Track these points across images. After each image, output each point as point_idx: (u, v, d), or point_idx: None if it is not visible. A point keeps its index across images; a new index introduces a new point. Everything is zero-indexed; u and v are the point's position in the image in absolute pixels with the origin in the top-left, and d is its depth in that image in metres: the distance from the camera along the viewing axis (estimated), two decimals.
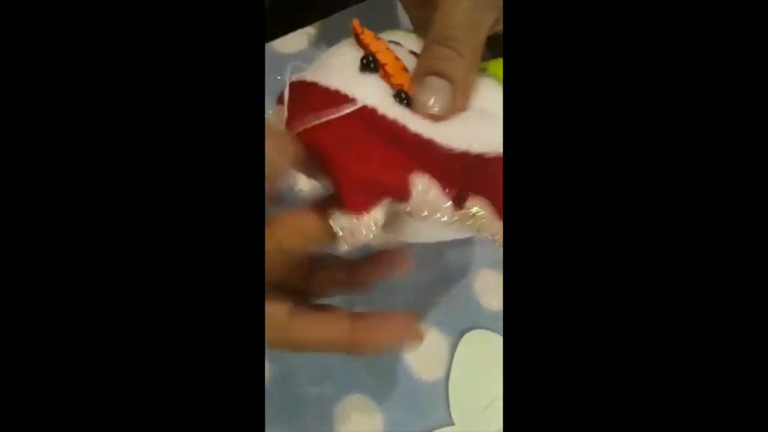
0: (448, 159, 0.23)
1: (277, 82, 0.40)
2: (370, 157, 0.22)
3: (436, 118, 0.24)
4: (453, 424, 0.35)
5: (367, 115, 0.23)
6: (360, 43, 0.26)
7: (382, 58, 0.25)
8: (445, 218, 0.23)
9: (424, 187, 0.22)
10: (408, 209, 0.23)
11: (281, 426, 0.34)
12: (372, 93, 0.24)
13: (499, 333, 0.37)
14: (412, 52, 0.26)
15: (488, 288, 0.38)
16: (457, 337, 0.37)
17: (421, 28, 0.29)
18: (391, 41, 0.27)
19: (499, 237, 0.23)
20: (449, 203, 0.23)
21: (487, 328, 0.37)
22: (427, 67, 0.24)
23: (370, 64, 0.24)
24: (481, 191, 0.23)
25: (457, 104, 0.24)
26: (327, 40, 0.41)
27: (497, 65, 0.27)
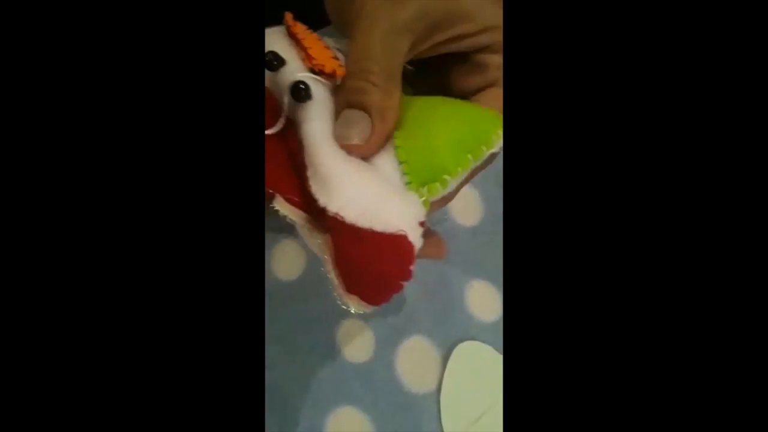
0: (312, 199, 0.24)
1: None
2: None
3: (357, 149, 0.25)
4: None
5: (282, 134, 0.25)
6: (289, 32, 0.26)
7: (306, 43, 0.26)
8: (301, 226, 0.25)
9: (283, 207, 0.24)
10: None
11: None
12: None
13: (491, 345, 0.37)
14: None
15: (481, 300, 0.38)
16: (449, 348, 0.37)
17: (341, 25, 0.30)
18: (335, 47, 0.27)
19: (337, 286, 0.24)
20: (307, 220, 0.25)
21: (480, 340, 0.37)
22: (343, 102, 0.25)
23: (272, 62, 0.25)
24: (329, 236, 0.24)
25: (376, 132, 0.25)
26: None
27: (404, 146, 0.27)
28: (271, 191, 0.24)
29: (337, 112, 0.25)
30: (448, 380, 0.36)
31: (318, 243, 0.25)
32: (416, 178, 0.24)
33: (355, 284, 0.24)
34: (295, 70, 0.25)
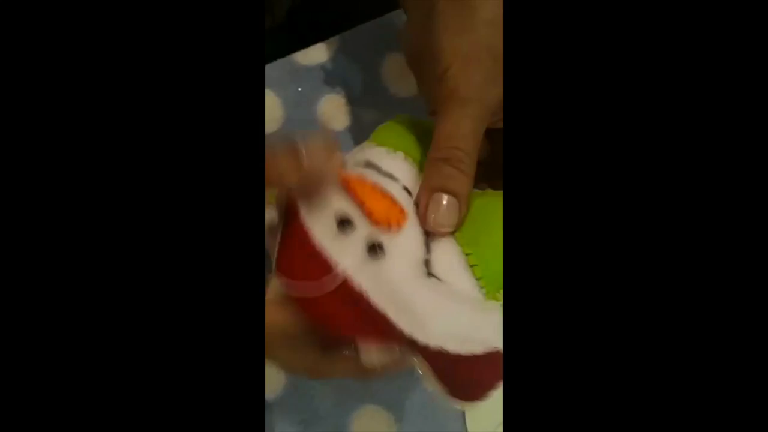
0: (395, 336, 0.25)
1: (297, 92, 0.40)
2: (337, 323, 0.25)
3: (444, 231, 0.26)
4: None
5: (342, 289, 0.25)
6: (345, 187, 0.27)
7: (367, 201, 0.26)
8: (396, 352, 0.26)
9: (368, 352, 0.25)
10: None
11: None
12: (349, 254, 0.25)
13: None
14: (405, 188, 0.27)
15: None
16: None
17: (422, 83, 0.30)
18: (386, 173, 0.28)
19: (442, 396, 0.26)
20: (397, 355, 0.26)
21: None
22: (436, 186, 0.26)
23: (344, 224, 0.26)
24: (426, 362, 0.25)
25: (462, 216, 0.26)
26: (346, 53, 0.42)
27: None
28: (349, 341, 0.26)
29: (427, 194, 0.26)
30: None
31: (412, 358, 0.26)
32: (492, 287, 0.26)
33: (459, 394, 0.26)
34: (364, 231, 0.26)
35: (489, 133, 0.28)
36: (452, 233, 0.27)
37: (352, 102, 0.40)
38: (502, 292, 0.26)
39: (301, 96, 0.40)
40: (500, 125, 0.29)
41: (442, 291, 0.25)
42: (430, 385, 0.26)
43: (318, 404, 0.35)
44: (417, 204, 0.27)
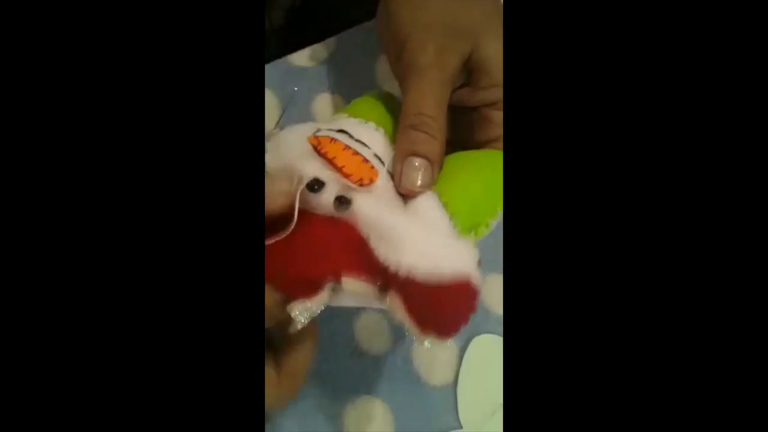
0: (379, 268, 0.26)
1: (293, 92, 0.42)
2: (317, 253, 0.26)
3: (417, 191, 0.27)
4: (461, 427, 0.36)
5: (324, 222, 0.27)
6: (318, 152, 0.28)
7: (338, 161, 0.28)
8: (372, 302, 0.27)
9: (352, 285, 0.26)
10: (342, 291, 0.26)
11: (291, 426, 0.35)
12: (319, 209, 0.27)
13: None
14: (376, 156, 0.29)
15: (496, 293, 0.39)
16: (465, 341, 0.38)
17: (393, 65, 0.32)
18: (357, 140, 0.29)
19: (412, 330, 0.26)
20: (373, 290, 0.26)
21: (496, 333, 0.38)
22: (407, 151, 0.28)
23: (315, 185, 0.27)
24: (394, 294, 0.26)
25: (435, 176, 0.28)
26: (342, 54, 0.43)
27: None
28: (332, 277, 0.26)
29: (400, 159, 0.28)
30: (465, 373, 0.37)
31: (383, 301, 0.26)
32: (465, 226, 0.28)
33: (429, 326, 0.26)
34: (334, 188, 0.27)
35: (453, 111, 0.30)
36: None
37: (347, 101, 0.41)
38: (475, 232, 0.28)
39: (297, 95, 0.41)
40: (464, 103, 0.31)
41: (417, 220, 0.27)
42: (402, 321, 0.26)
43: (313, 394, 0.36)
44: (392, 174, 0.28)
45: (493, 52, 0.30)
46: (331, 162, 0.28)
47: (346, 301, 0.27)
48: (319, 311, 0.26)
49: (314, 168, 0.28)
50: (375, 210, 0.27)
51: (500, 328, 0.38)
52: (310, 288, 0.25)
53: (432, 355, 0.37)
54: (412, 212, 0.27)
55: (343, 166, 0.27)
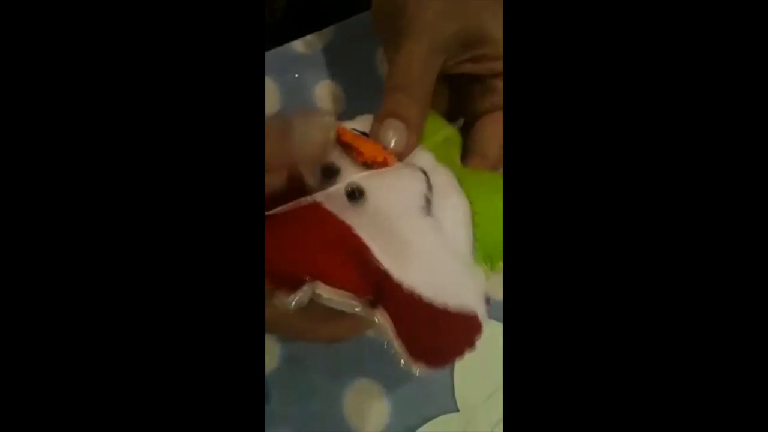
0: (374, 280, 0.23)
1: (294, 79, 0.42)
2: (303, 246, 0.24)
3: (395, 155, 0.26)
4: (458, 410, 0.36)
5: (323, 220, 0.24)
6: (339, 141, 0.26)
7: (356, 144, 0.26)
8: (356, 310, 0.24)
9: (327, 293, 0.23)
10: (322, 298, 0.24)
11: (290, 409, 0.35)
12: (331, 198, 0.25)
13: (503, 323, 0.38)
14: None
15: (494, 278, 0.39)
16: None
17: (386, 45, 0.32)
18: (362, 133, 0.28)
19: (401, 353, 0.24)
20: (356, 303, 0.24)
21: (493, 318, 0.38)
22: (387, 112, 0.28)
23: (329, 171, 0.25)
24: (388, 310, 0.24)
25: (410, 141, 0.28)
26: (342, 41, 0.43)
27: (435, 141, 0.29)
28: (310, 279, 0.23)
29: (379, 119, 0.28)
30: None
31: (372, 316, 0.24)
32: (485, 253, 0.26)
33: (421, 355, 0.24)
34: (348, 176, 0.25)
35: (448, 79, 0.30)
36: (453, 183, 0.26)
37: (347, 89, 0.42)
38: (492, 263, 0.26)
39: (298, 82, 0.42)
40: (458, 70, 0.30)
41: (437, 234, 0.24)
42: (391, 341, 0.24)
43: (312, 378, 0.36)
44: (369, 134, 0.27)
45: (496, 24, 0.29)
46: (349, 145, 0.26)
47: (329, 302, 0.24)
48: (304, 303, 0.24)
49: (331, 156, 0.26)
50: (389, 208, 0.24)
51: (498, 314, 0.38)
52: (289, 284, 0.23)
53: None
54: (434, 223, 0.25)
55: (361, 153, 0.25)
